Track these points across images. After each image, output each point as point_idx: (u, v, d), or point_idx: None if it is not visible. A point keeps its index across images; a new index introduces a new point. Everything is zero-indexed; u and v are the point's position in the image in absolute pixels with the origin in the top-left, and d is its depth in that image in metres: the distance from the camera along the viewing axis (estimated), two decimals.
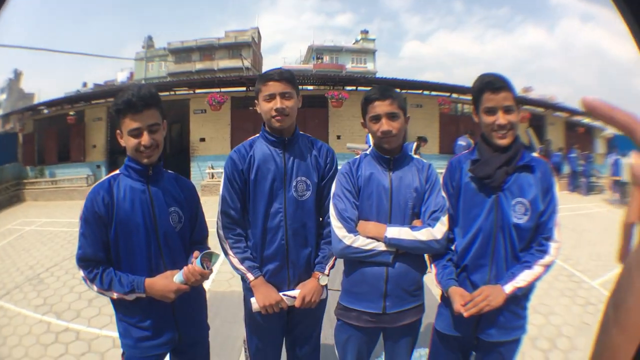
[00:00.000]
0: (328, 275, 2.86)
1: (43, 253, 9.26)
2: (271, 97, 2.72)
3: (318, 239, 2.93)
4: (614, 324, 0.60)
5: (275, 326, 2.96)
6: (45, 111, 22.69)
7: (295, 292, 2.78)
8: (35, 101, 30.01)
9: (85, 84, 44.87)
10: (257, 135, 2.91)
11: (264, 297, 2.72)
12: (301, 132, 2.96)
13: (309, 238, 2.87)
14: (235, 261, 2.78)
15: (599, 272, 7.90)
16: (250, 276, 2.76)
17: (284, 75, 2.74)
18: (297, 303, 2.75)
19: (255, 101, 2.88)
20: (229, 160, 2.85)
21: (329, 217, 2.84)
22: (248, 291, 2.85)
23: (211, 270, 2.46)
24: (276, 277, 2.83)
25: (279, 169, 2.78)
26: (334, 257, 2.87)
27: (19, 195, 19.30)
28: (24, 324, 5.81)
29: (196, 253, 2.44)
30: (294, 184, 2.79)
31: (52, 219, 13.03)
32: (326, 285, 2.91)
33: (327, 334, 3.54)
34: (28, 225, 12.54)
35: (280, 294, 2.76)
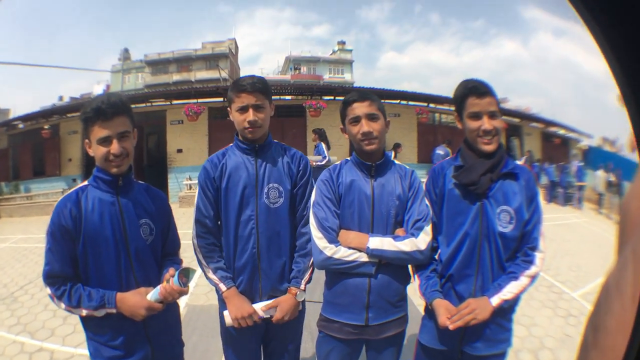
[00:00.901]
0: (304, 291, 2.80)
1: (17, 270, 9.05)
2: (244, 110, 2.70)
3: (293, 249, 2.87)
4: (593, 347, 0.60)
5: (251, 339, 2.89)
6: (21, 126, 22.46)
7: (266, 303, 2.73)
8: (11, 116, 29.75)
9: (61, 98, 44.53)
10: (231, 144, 2.89)
11: (236, 309, 2.68)
12: (275, 140, 2.94)
13: (283, 247, 2.81)
14: (208, 271, 2.74)
15: (579, 283, 7.96)
16: (222, 287, 2.71)
17: (257, 87, 2.70)
18: (274, 321, 2.70)
19: (228, 108, 2.85)
20: (202, 170, 2.82)
21: (303, 227, 2.82)
22: (222, 303, 2.80)
23: (187, 288, 2.40)
24: (248, 288, 2.77)
25: (250, 176, 2.75)
26: (310, 271, 2.82)
27: None
28: None
29: (172, 271, 2.37)
30: (265, 190, 2.74)
31: (27, 235, 12.85)
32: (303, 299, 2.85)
33: (309, 346, 3.47)
34: (2, 242, 12.27)
35: (254, 305, 2.71)
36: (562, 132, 27.13)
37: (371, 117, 2.63)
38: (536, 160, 21.45)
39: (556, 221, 14.68)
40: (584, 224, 15.35)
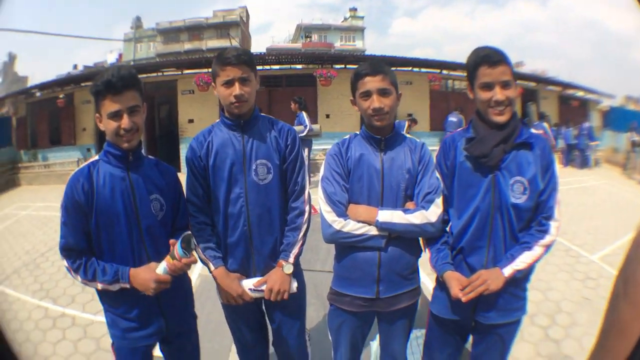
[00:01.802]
0: (293, 264, 2.76)
1: (38, 237, 9.24)
2: (229, 83, 2.63)
3: (284, 225, 2.83)
4: (624, 299, 0.60)
5: (250, 306, 2.87)
6: (38, 94, 22.31)
7: (255, 280, 2.73)
8: (29, 84, 29.66)
9: (75, 66, 44.25)
10: (217, 120, 2.84)
11: (225, 292, 2.72)
12: (262, 114, 2.87)
13: (275, 224, 2.79)
14: (198, 250, 2.69)
15: (597, 246, 7.80)
16: (211, 266, 2.71)
17: (242, 59, 2.63)
18: (266, 295, 2.69)
19: (212, 84, 2.78)
20: (188, 148, 2.79)
21: (294, 202, 2.82)
22: None
23: (193, 256, 2.38)
24: (241, 265, 2.77)
25: (237, 153, 2.70)
26: (299, 245, 2.80)
27: (14, 180, 19.19)
28: (23, 309, 5.85)
29: (172, 241, 2.36)
30: (253, 167, 2.70)
31: (46, 203, 13.05)
32: (298, 276, 2.85)
33: (321, 316, 3.56)
34: (24, 210, 12.53)
35: (246, 281, 2.71)
36: (580, 94, 26.43)
37: (383, 92, 2.56)
38: (553, 124, 21.13)
39: (573, 184, 14.36)
40: (604, 185, 15.09)
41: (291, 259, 2.75)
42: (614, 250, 7.45)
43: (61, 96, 19.81)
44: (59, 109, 20.15)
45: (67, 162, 19.46)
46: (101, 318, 5.01)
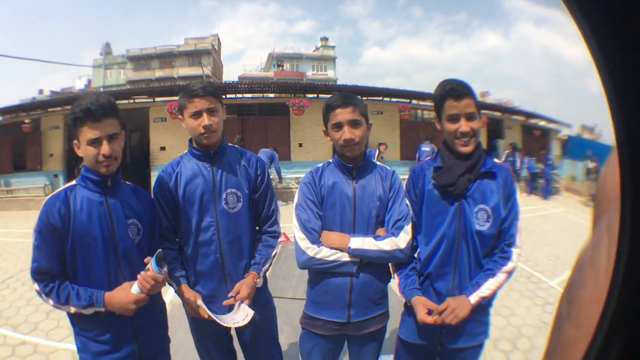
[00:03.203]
0: (261, 279, 2.85)
1: None
2: (197, 115, 2.69)
3: (253, 250, 2.90)
4: (567, 319, 0.62)
5: (219, 330, 2.89)
6: (0, 118, 22.15)
7: (228, 316, 2.71)
8: None
9: (41, 91, 43.97)
10: (185, 152, 2.89)
11: (188, 306, 2.74)
12: (229, 144, 2.94)
13: (245, 250, 2.85)
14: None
15: (556, 271, 8.12)
16: (174, 285, 2.75)
17: (209, 90, 2.70)
18: (238, 298, 2.68)
19: (180, 116, 2.84)
20: (156, 180, 2.85)
21: (271, 227, 2.92)
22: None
23: (164, 273, 2.40)
24: (213, 292, 2.80)
25: (207, 183, 2.76)
26: (269, 263, 2.89)
27: None
28: None
29: (147, 259, 2.39)
30: (224, 196, 2.77)
31: (7, 230, 12.65)
32: (267, 300, 2.93)
33: (292, 342, 3.51)
34: None
35: (215, 317, 2.65)
36: (542, 123, 27.39)
37: (353, 124, 2.64)
38: (518, 150, 21.59)
39: (536, 212, 14.89)
40: (563, 213, 15.64)
41: (262, 274, 2.84)
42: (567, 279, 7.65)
43: (27, 121, 19.51)
44: (24, 134, 19.81)
45: (31, 187, 19.09)
46: (65, 345, 5.03)
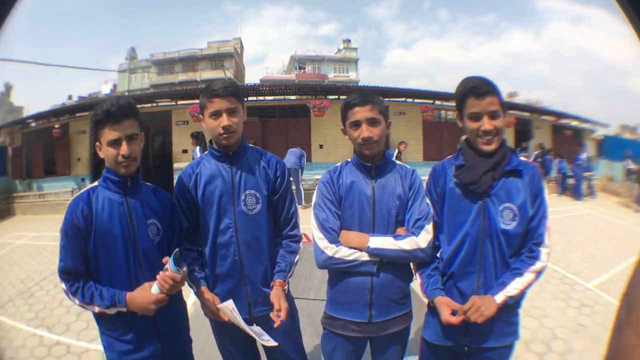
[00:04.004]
0: (288, 284, 2.83)
1: (33, 267, 9.23)
2: (217, 114, 2.67)
3: (273, 253, 2.86)
4: (627, 325, 0.59)
5: (241, 333, 2.78)
6: (33, 124, 22.52)
7: (255, 329, 2.66)
8: (24, 114, 29.75)
9: (70, 97, 44.33)
10: (206, 152, 2.87)
11: (206, 308, 2.71)
12: (250, 145, 2.90)
13: (264, 252, 2.80)
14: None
15: (592, 273, 7.86)
16: (194, 287, 2.73)
17: (229, 91, 2.67)
18: (284, 316, 2.62)
19: (200, 116, 2.81)
20: (177, 181, 2.84)
21: (292, 230, 2.88)
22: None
23: (183, 272, 2.42)
24: (231, 294, 2.73)
25: (226, 184, 2.74)
26: (294, 267, 2.86)
27: (9, 209, 19.16)
28: (18, 337, 5.82)
29: (165, 259, 2.40)
30: (242, 197, 2.73)
31: (40, 233, 13.02)
32: (289, 300, 2.82)
33: (315, 342, 3.57)
34: (18, 239, 12.49)
35: (246, 326, 2.61)
36: (574, 123, 26.68)
37: (372, 122, 2.61)
38: (547, 151, 21.21)
39: (568, 213, 14.50)
40: (599, 214, 15.12)
41: (287, 279, 2.81)
42: (610, 278, 7.50)
43: (56, 126, 19.92)
44: (54, 139, 20.24)
45: (61, 192, 19.51)
46: (95, 346, 5.13)
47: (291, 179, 14.58)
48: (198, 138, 11.80)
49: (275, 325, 2.59)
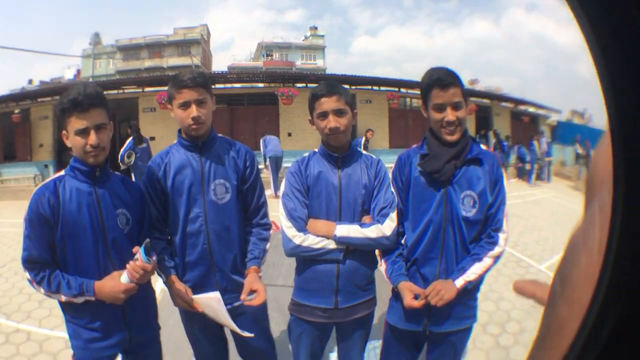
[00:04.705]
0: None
1: None
2: (186, 105, 2.68)
3: (242, 242, 2.90)
4: (561, 299, 0.62)
5: (208, 319, 2.85)
6: None
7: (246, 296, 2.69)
8: None
9: (30, 81, 43.52)
10: (175, 142, 2.88)
11: (176, 297, 2.72)
12: (219, 135, 2.94)
13: (234, 241, 2.83)
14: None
15: (545, 255, 8.17)
16: (163, 276, 2.75)
17: (198, 81, 2.69)
18: (257, 303, 2.67)
19: (169, 105, 2.82)
20: (146, 170, 2.84)
21: (262, 219, 2.93)
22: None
23: (153, 263, 2.41)
24: (201, 282, 2.79)
25: (195, 174, 2.75)
26: (266, 254, 2.91)
27: None
28: None
29: (136, 248, 2.39)
30: (212, 187, 2.76)
31: None
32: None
33: (282, 328, 3.51)
34: None
35: (229, 320, 2.67)
36: (531, 109, 27.47)
37: (338, 112, 2.67)
38: (504, 138, 21.60)
39: (525, 198, 14.96)
40: (553, 198, 15.73)
41: (261, 266, 2.85)
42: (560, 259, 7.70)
43: (16, 111, 19.34)
44: (13, 124, 19.65)
45: (22, 177, 19.00)
46: (58, 333, 5.01)
47: (275, 165, 14.56)
48: (133, 129, 11.74)
49: (256, 303, 2.65)
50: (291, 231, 2.67)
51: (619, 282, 0.53)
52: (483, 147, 2.72)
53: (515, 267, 7.59)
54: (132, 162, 11.21)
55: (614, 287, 0.53)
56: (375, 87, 21.37)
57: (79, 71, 50.45)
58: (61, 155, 18.80)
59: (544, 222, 11.20)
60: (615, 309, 0.53)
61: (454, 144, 2.56)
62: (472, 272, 2.51)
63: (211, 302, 2.63)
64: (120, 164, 11.31)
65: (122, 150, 11.59)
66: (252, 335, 2.72)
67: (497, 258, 2.57)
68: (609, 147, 0.54)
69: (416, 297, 2.52)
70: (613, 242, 0.54)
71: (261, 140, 14.95)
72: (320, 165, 2.78)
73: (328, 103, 2.67)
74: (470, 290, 2.62)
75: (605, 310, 0.54)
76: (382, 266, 2.77)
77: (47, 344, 5.03)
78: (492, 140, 20.62)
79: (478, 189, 2.55)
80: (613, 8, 0.50)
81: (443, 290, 2.45)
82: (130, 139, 11.65)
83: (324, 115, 2.68)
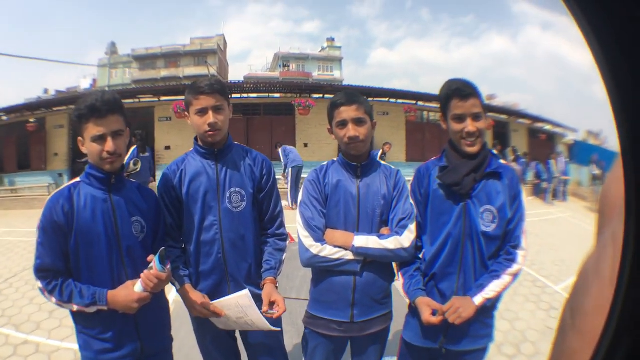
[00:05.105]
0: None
1: (2, 263, 8.95)
2: (203, 112, 2.66)
3: (258, 251, 2.86)
4: (571, 329, 0.61)
5: (221, 332, 2.87)
6: (5, 118, 22.05)
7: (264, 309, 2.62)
8: None
9: (46, 91, 44.04)
10: (191, 149, 2.86)
11: (191, 306, 2.69)
12: (236, 143, 2.91)
13: (249, 251, 2.80)
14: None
15: (562, 276, 8.04)
16: (177, 285, 2.71)
17: (216, 88, 2.67)
18: (275, 316, 2.62)
19: (186, 112, 2.81)
20: (161, 177, 2.82)
21: (279, 229, 2.88)
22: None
23: (168, 271, 2.37)
24: (214, 292, 2.75)
25: (211, 181, 2.73)
26: (282, 265, 2.86)
27: None
28: None
29: (150, 257, 2.36)
30: (227, 195, 2.73)
31: (11, 229, 12.69)
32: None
33: (295, 342, 3.47)
34: None
35: (260, 316, 2.60)
36: (548, 127, 27.24)
37: (358, 122, 2.63)
38: (522, 154, 21.48)
39: (542, 217, 14.74)
40: (569, 218, 15.52)
41: (277, 277, 2.79)
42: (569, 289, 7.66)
43: (32, 120, 19.58)
44: (28, 133, 19.88)
45: (35, 187, 19.15)
46: (68, 344, 4.99)
47: (296, 176, 14.50)
48: (138, 138, 11.75)
49: (275, 316, 2.60)
50: (308, 241, 2.62)
51: (631, 313, 0.51)
52: (502, 161, 2.68)
53: (532, 286, 7.47)
54: (138, 169, 11.25)
55: (626, 318, 0.52)
56: (393, 100, 21.43)
57: (95, 81, 50.98)
58: (76, 164, 18.93)
59: (560, 242, 11.02)
60: (628, 340, 0.52)
61: (473, 156, 2.52)
62: (491, 290, 2.46)
63: (239, 301, 2.59)
64: (126, 171, 11.23)
65: (126, 157, 11.52)
66: (279, 329, 2.74)
67: (515, 276, 2.51)
68: (621, 173, 0.52)
69: (434, 312, 2.46)
70: (625, 271, 0.52)
71: (280, 151, 14.97)
72: (339, 174, 2.74)
73: (347, 112, 2.64)
74: (488, 308, 2.56)
75: (617, 342, 0.52)
76: (399, 280, 2.73)
77: (55, 355, 4.99)
78: (511, 157, 20.50)
79: (498, 203, 2.50)
80: (620, 24, 0.49)
81: (461, 309, 2.40)
82: (135, 147, 11.66)
83: (343, 124, 2.65)
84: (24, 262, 8.64)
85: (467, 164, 2.52)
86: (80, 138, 2.44)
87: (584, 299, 0.59)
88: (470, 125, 2.46)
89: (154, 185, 9.58)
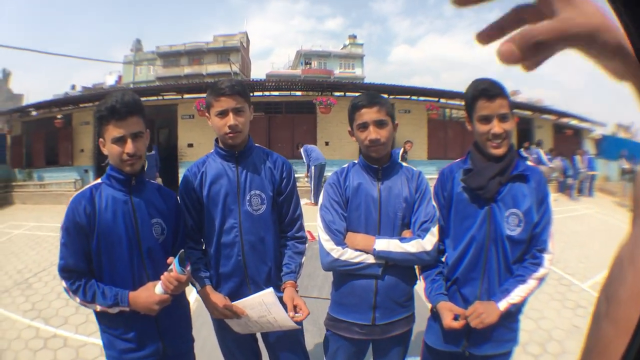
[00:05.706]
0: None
1: (31, 257, 9.15)
2: (224, 114, 2.65)
3: (277, 254, 2.86)
4: (606, 317, 0.60)
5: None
6: (34, 113, 22.33)
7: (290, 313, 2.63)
8: (24, 102, 29.58)
9: (73, 87, 44.41)
10: (212, 151, 2.86)
11: (212, 307, 2.69)
12: (256, 145, 2.90)
13: (269, 253, 2.79)
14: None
15: (587, 274, 7.90)
16: (197, 286, 2.72)
17: (236, 90, 2.65)
18: (300, 319, 2.65)
19: (206, 113, 2.81)
20: (182, 180, 2.82)
21: (298, 232, 2.88)
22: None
23: (188, 274, 2.38)
24: (236, 294, 2.74)
25: (231, 184, 2.72)
26: (302, 268, 2.86)
27: (7, 198, 18.99)
28: (12, 328, 5.75)
29: (170, 259, 2.37)
30: (247, 197, 2.72)
31: (40, 223, 12.94)
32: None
33: (317, 342, 3.49)
34: (17, 229, 12.37)
35: (284, 313, 2.61)
36: (574, 122, 26.70)
37: (379, 124, 2.60)
38: (548, 150, 21.15)
39: (567, 213, 14.57)
40: (596, 214, 15.22)
41: (297, 281, 2.80)
42: (603, 278, 7.44)
43: (59, 116, 19.77)
44: (56, 129, 20.08)
45: (63, 182, 19.43)
46: (94, 340, 5.09)
47: (319, 174, 14.45)
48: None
49: (300, 319, 2.63)
50: (329, 244, 2.61)
51: None
52: (529, 162, 2.61)
53: (557, 284, 7.35)
54: (145, 167, 11.29)
55: None
56: (414, 97, 21.10)
57: (120, 77, 51.41)
58: (100, 160, 18.95)
59: (586, 239, 10.85)
60: None
61: (499, 158, 2.47)
62: (516, 295, 2.42)
63: (263, 299, 2.60)
64: None
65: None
66: (299, 327, 2.76)
67: (541, 280, 2.47)
68: None
69: (456, 317, 2.44)
70: None
71: (302, 150, 15.01)
72: (359, 177, 2.71)
73: (369, 114, 2.59)
74: (513, 313, 2.52)
75: None
76: (421, 283, 2.72)
77: (83, 350, 5.08)
78: (542, 152, 20.16)
79: (524, 207, 2.44)
80: None
81: (484, 314, 2.37)
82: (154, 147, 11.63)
83: (364, 126, 2.61)
84: (52, 257, 8.77)
85: (492, 167, 2.47)
86: (101, 139, 2.48)
87: (619, 288, 0.59)
88: (496, 127, 2.41)
89: (159, 182, 9.65)
